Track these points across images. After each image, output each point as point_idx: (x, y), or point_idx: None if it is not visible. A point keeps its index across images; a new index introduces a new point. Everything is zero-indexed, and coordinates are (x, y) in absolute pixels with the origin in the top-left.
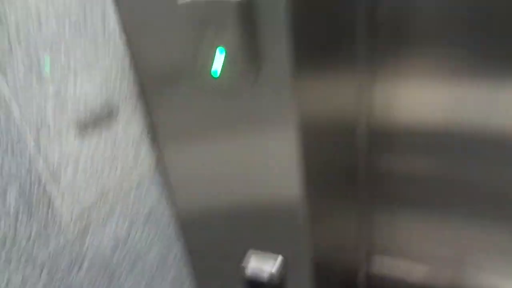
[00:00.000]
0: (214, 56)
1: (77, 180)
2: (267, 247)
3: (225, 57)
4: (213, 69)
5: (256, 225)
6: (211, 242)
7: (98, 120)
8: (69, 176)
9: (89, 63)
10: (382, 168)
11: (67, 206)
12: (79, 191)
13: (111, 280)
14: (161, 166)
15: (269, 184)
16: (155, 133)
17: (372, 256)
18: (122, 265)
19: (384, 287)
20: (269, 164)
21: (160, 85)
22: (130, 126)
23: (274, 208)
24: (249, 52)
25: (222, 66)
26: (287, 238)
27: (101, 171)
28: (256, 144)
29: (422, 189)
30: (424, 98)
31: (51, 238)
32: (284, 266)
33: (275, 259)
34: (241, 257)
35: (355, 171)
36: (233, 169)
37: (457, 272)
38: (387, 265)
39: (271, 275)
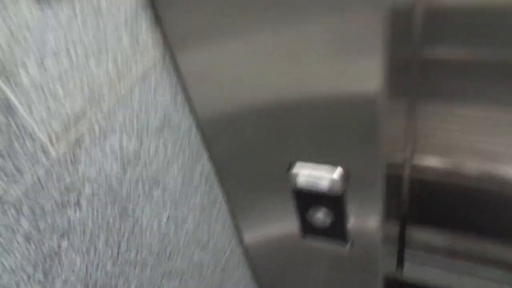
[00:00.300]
0: None
1: (48, 78)
2: (319, 157)
3: None
4: None
5: (304, 132)
6: (245, 154)
7: None
8: (33, 72)
9: None
10: (434, 59)
11: (41, 119)
12: (55, 96)
13: (124, 215)
14: (171, 57)
15: (331, 77)
16: (156, 6)
17: (419, 153)
18: (135, 193)
19: (429, 184)
20: (336, 49)
21: None
22: None
23: (334, 108)
24: None
25: None
26: (350, 142)
27: (85, 65)
28: (317, 22)
29: (473, 82)
30: None
31: (23, 167)
32: (345, 177)
33: (333, 169)
34: (284, 169)
35: (409, 63)
36: (274, 58)
37: (506, 171)
38: (434, 162)
39: (332, 184)
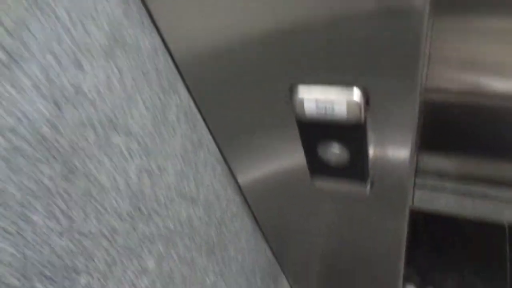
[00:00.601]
0: None
1: None
2: (327, 79)
3: None
4: None
5: (309, 51)
6: (233, 81)
7: None
8: None
9: None
10: None
11: None
12: None
13: (71, 174)
14: None
15: None
16: None
17: (431, 73)
18: (84, 142)
19: (441, 106)
20: None
21: None
22: None
23: (356, 21)
24: None
25: None
26: (375, 59)
27: None
28: None
29: None
30: None
31: None
32: (367, 100)
33: (350, 90)
34: (284, 96)
35: None
36: None
37: None
38: (448, 81)
39: (352, 109)
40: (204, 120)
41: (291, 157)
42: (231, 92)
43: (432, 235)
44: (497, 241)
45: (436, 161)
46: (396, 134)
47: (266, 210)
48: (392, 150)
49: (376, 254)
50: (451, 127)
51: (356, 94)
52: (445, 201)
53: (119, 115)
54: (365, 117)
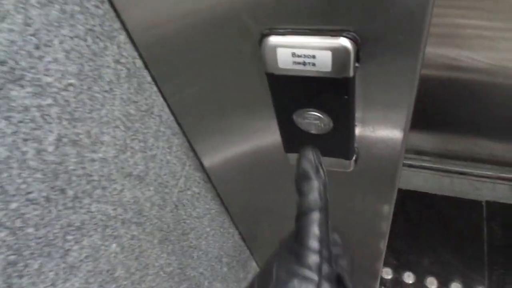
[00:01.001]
0: None
1: None
2: (304, 25)
3: None
4: None
5: None
6: (185, 30)
7: None
8: None
9: None
10: None
11: None
12: None
13: None
14: None
15: None
16: None
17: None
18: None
19: (420, 80)
20: None
21: None
22: None
23: None
24: None
25: None
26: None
27: None
28: None
29: None
30: None
31: None
32: (357, 51)
33: (335, 38)
34: (254, 45)
35: None
36: None
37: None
38: (428, 55)
39: (339, 58)
40: (154, 81)
41: (262, 129)
42: (188, 48)
43: (408, 213)
44: (474, 219)
45: (414, 139)
46: (390, 100)
47: (233, 190)
48: (385, 119)
49: (357, 237)
50: (428, 104)
51: (344, 41)
52: (422, 178)
53: (22, 61)
54: (355, 71)
